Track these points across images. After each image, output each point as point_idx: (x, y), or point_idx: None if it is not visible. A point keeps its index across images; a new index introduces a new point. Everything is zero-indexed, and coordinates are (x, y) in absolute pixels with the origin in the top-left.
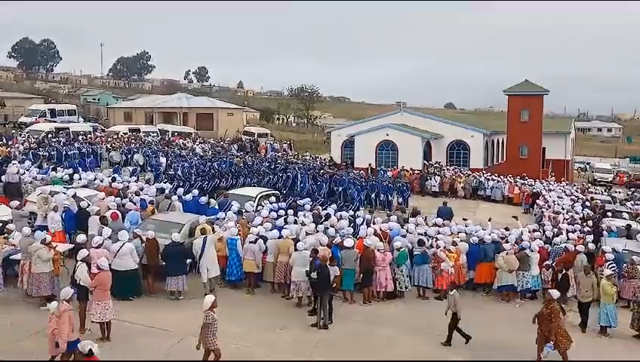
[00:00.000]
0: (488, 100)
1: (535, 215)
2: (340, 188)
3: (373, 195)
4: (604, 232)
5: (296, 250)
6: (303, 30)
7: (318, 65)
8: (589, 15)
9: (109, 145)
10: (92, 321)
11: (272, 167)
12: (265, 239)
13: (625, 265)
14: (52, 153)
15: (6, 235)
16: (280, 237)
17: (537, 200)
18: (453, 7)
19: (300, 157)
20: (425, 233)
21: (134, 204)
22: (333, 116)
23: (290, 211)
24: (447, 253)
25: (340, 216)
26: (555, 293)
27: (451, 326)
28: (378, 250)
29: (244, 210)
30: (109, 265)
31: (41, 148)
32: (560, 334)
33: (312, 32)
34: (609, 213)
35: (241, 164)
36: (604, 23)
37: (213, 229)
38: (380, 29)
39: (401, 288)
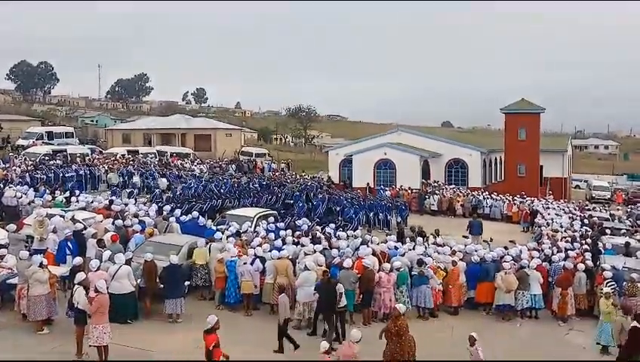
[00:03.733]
0: (485, 116)
1: (534, 233)
2: (338, 208)
3: (371, 215)
4: (602, 250)
5: (295, 271)
6: (302, 44)
7: (314, 81)
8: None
9: (107, 167)
10: (90, 345)
11: (267, 185)
12: (263, 260)
13: (625, 283)
14: (49, 176)
15: None
16: (279, 257)
17: (536, 219)
18: (453, 11)
19: (299, 176)
20: (424, 252)
21: (132, 226)
22: (331, 135)
23: (289, 231)
24: (437, 270)
25: (338, 236)
26: (401, 308)
27: (281, 333)
28: (382, 271)
29: (242, 231)
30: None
31: (38, 171)
32: (410, 349)
33: (311, 45)
34: (607, 231)
35: (235, 185)
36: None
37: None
38: (379, 40)
39: None
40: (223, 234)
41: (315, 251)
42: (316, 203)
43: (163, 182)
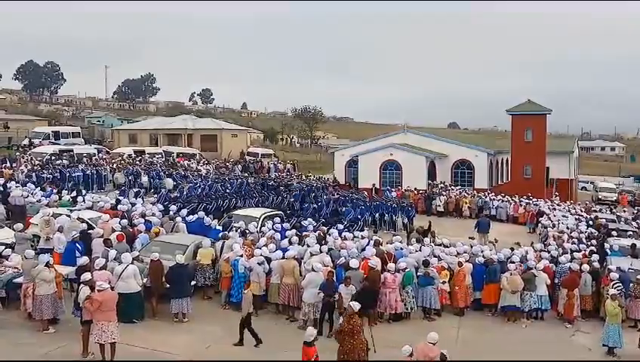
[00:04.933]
0: (490, 117)
1: (540, 234)
2: (344, 209)
3: (377, 216)
4: (608, 251)
5: (301, 271)
6: (302, 44)
7: (320, 82)
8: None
9: (114, 166)
10: (94, 342)
11: (272, 186)
12: (269, 260)
13: (632, 284)
14: (56, 175)
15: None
16: (284, 258)
17: (542, 220)
18: (452, 11)
19: (305, 177)
20: (431, 253)
21: (137, 225)
22: (337, 136)
23: (295, 231)
24: (442, 270)
25: (345, 236)
26: (355, 306)
27: (242, 326)
28: (389, 271)
29: (248, 231)
30: (112, 288)
31: (44, 171)
32: (361, 349)
33: (311, 45)
34: (613, 232)
35: (241, 185)
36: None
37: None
38: (380, 40)
39: (407, 309)
40: (233, 232)
41: (321, 251)
42: (321, 203)
43: (169, 182)
